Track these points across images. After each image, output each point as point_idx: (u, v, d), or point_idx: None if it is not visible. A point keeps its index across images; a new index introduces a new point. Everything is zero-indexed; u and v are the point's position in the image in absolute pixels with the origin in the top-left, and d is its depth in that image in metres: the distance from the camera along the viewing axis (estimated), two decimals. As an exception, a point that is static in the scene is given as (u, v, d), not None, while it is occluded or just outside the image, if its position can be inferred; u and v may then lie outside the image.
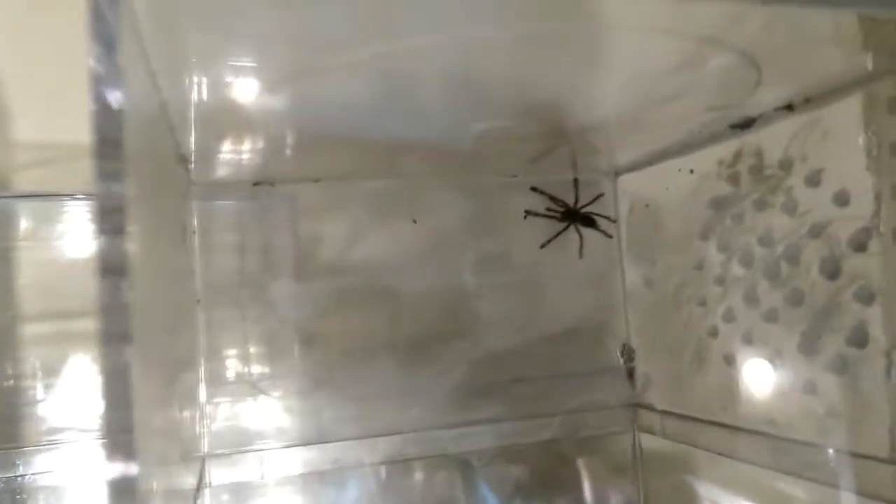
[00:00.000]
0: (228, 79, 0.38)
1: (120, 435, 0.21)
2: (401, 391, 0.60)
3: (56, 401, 0.55)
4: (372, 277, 0.60)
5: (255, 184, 0.57)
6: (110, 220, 0.22)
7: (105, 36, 0.23)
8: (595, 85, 0.44)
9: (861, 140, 0.38)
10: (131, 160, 0.23)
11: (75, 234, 0.56)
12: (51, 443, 0.54)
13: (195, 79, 0.37)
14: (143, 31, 0.27)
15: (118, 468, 0.20)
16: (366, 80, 0.40)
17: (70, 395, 0.54)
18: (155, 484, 0.26)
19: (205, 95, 0.39)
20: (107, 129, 0.23)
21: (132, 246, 0.23)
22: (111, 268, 0.22)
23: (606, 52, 0.38)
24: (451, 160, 0.59)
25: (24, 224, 0.58)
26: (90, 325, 0.57)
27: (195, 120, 0.44)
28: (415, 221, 0.60)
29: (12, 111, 0.64)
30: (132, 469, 0.21)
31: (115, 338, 0.21)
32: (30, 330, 0.56)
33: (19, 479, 0.53)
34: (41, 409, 0.55)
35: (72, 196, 0.58)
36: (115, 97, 0.23)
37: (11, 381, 0.55)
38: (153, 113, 0.33)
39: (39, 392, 0.55)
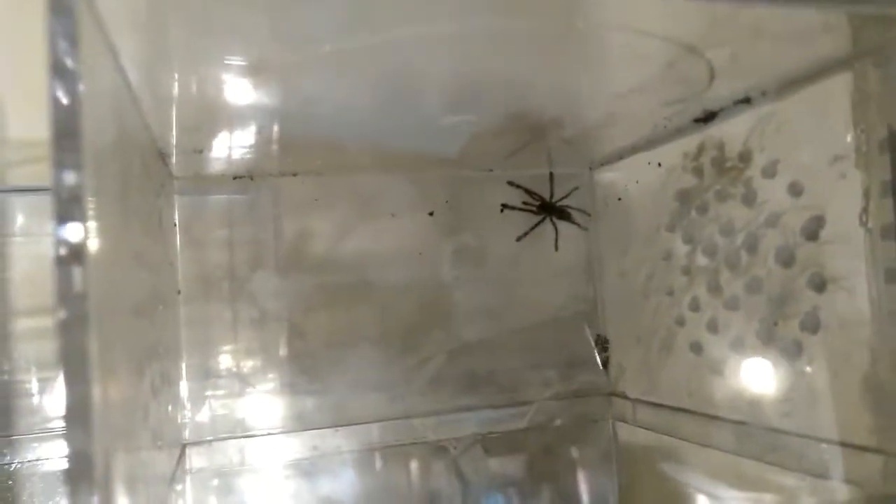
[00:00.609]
0: (209, 76, 0.39)
1: (77, 414, 0.22)
2: (381, 381, 0.61)
3: (50, 392, 0.56)
4: (353, 270, 0.61)
5: (235, 178, 0.58)
6: (67, 209, 0.23)
7: (64, 30, 0.24)
8: (567, 81, 0.45)
9: (845, 129, 0.39)
10: (92, 152, 0.24)
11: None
12: (44, 432, 0.55)
13: (176, 75, 0.38)
14: (110, 27, 0.28)
15: (75, 444, 0.22)
16: (345, 77, 0.41)
17: (49, 392, 0.56)
18: (119, 466, 0.27)
19: (186, 92, 0.41)
20: (64, 120, 0.23)
21: (91, 234, 0.24)
22: (68, 255, 0.23)
23: (577, 49, 0.39)
24: (429, 155, 0.60)
25: (18, 219, 0.59)
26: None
27: (176, 115, 0.45)
28: (393, 215, 0.62)
29: (5, 108, 0.65)
30: (88, 446, 0.22)
31: (72, 323, 0.23)
32: (24, 323, 0.57)
33: (12, 466, 0.55)
34: (35, 401, 0.56)
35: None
36: (73, 90, 0.24)
37: (6, 376, 0.56)
38: (123, 107, 0.35)
39: (34, 384, 0.56)
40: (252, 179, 0.59)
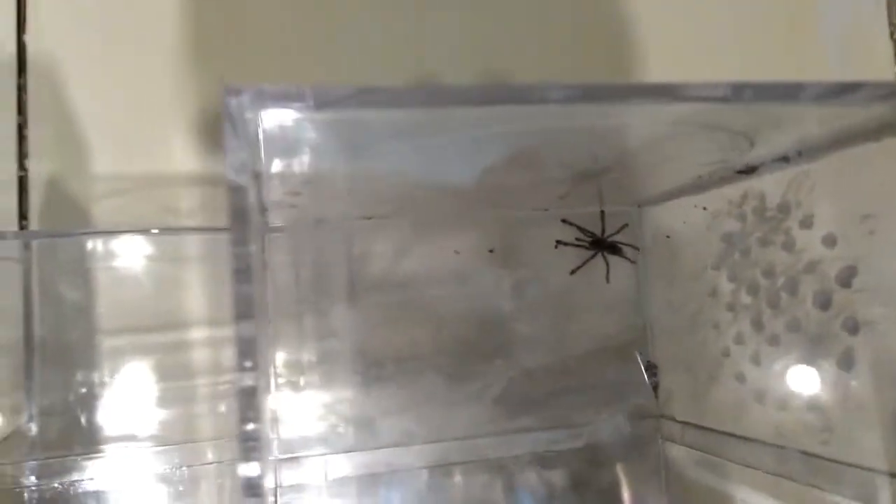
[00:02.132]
0: (293, 153, 0.45)
1: (251, 443, 0.29)
2: (446, 403, 0.67)
3: (121, 410, 0.63)
4: (419, 303, 0.67)
5: (317, 223, 0.65)
6: (242, 275, 0.30)
7: (239, 145, 0.30)
8: (615, 148, 0.51)
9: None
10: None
11: (143, 259, 0.66)
12: (111, 451, 0.62)
13: (265, 152, 0.45)
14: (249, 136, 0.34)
15: (251, 471, 0.28)
16: (418, 160, 0.48)
17: (132, 406, 0.63)
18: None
19: (273, 165, 0.47)
20: (238, 206, 0.30)
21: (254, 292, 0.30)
22: (243, 312, 0.30)
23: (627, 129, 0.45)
24: (490, 198, 0.66)
25: (100, 249, 0.67)
26: (158, 338, 0.66)
27: (275, 187, 0.52)
28: (457, 252, 0.68)
29: (91, 145, 0.73)
30: (260, 470, 0.28)
31: (246, 368, 0.29)
32: (107, 342, 0.65)
33: (85, 482, 0.61)
34: (109, 416, 0.63)
35: (146, 231, 0.68)
36: (242, 181, 0.30)
37: (84, 389, 0.64)
38: (248, 182, 0.41)
39: (108, 401, 0.63)
40: (330, 223, 0.65)
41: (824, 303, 0.47)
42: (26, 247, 0.65)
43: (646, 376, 0.70)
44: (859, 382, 0.45)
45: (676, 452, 0.67)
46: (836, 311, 0.46)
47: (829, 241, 0.46)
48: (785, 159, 0.49)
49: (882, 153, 0.42)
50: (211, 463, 0.65)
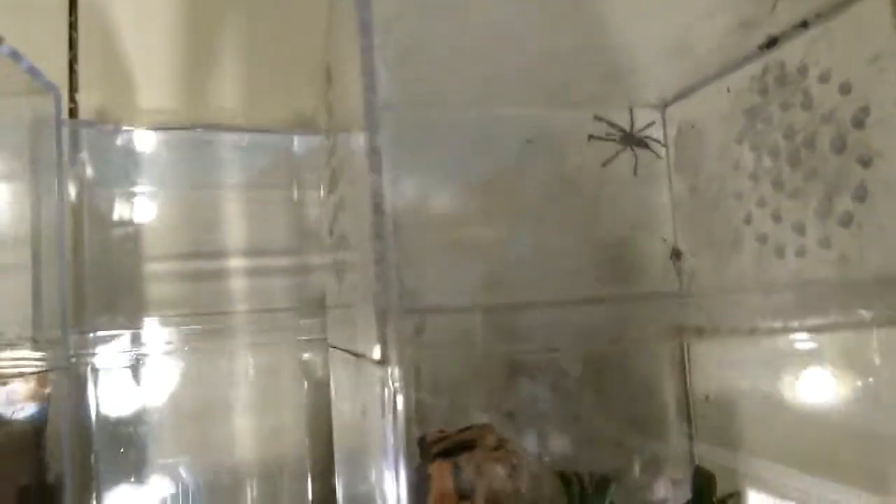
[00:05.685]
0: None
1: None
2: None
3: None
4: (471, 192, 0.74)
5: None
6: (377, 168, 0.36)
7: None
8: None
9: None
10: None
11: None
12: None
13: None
14: None
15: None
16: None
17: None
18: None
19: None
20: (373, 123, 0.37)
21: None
22: (379, 204, 0.36)
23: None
24: (533, 92, 0.73)
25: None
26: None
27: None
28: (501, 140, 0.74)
29: (138, 81, 0.80)
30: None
31: (381, 237, 0.36)
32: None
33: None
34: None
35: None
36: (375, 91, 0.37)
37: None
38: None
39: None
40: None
41: (840, 146, 0.53)
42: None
43: (672, 261, 0.76)
44: (872, 210, 0.51)
45: (696, 328, 0.73)
46: (851, 150, 0.52)
47: (845, 88, 0.52)
48: (804, 24, 0.55)
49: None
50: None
